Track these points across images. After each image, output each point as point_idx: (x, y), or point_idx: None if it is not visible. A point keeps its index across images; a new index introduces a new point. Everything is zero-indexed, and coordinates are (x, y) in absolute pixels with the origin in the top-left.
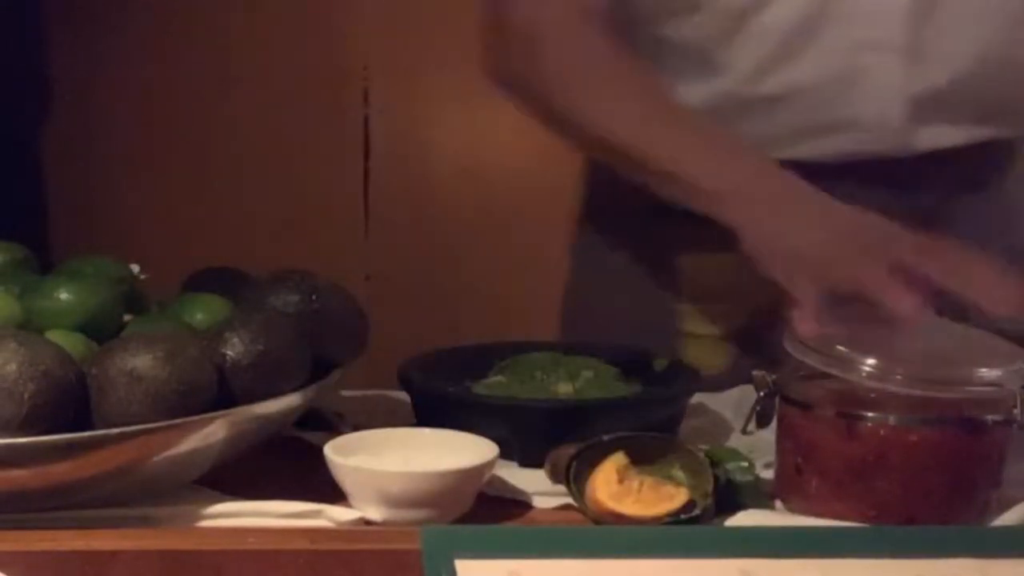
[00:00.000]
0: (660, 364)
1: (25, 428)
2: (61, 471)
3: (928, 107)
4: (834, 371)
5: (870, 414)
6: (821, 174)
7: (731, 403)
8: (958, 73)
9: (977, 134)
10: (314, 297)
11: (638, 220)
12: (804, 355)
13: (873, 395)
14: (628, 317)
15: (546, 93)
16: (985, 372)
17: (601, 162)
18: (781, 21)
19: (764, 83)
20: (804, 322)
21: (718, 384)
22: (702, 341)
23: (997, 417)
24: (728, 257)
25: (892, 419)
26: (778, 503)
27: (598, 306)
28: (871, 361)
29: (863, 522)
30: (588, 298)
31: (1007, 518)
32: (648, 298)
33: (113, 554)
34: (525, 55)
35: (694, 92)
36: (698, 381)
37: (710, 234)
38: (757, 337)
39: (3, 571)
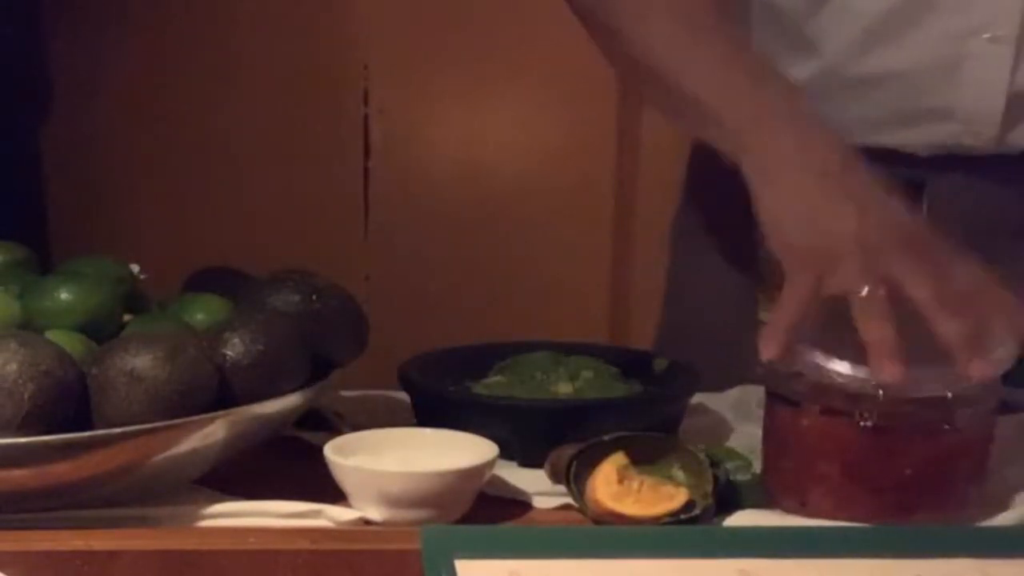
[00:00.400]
0: (660, 364)
1: (25, 428)
2: (61, 471)
3: None
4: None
5: (854, 411)
6: (910, 164)
7: (731, 403)
8: None
9: None
10: (314, 297)
11: (729, 205)
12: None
13: (856, 393)
14: (720, 306)
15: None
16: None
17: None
18: (876, 1)
19: (858, 64)
20: (769, 341)
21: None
22: None
23: (979, 410)
24: None
25: (875, 416)
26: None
27: (694, 294)
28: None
29: (853, 520)
30: (685, 286)
31: (1006, 518)
32: (735, 286)
33: (113, 554)
34: None
35: (791, 70)
36: (698, 381)
37: None
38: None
39: (3, 571)
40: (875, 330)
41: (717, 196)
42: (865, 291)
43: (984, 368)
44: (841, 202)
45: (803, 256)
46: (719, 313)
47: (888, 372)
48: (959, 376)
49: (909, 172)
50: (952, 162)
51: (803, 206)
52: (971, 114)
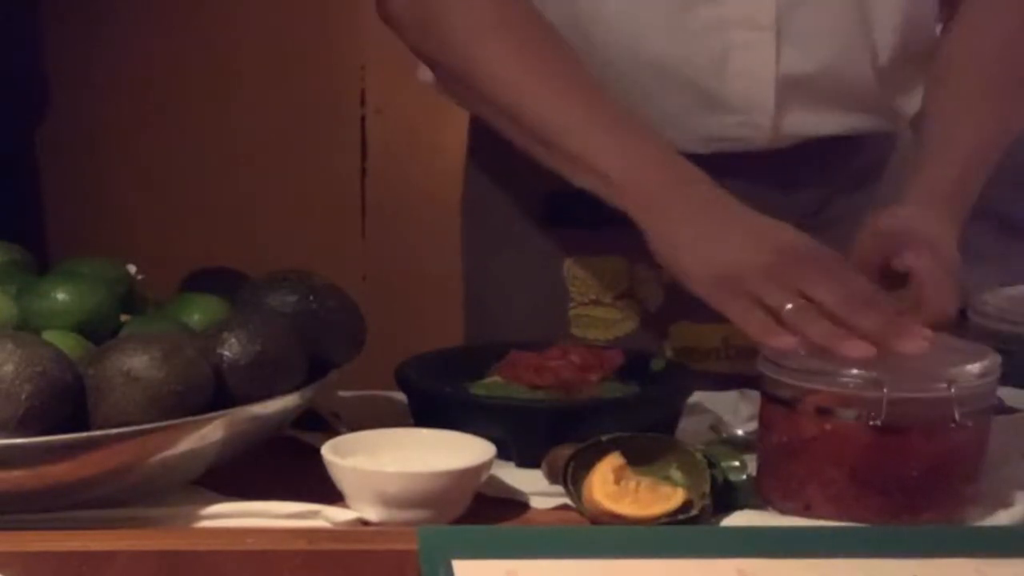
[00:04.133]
0: (657, 364)
1: (22, 429)
2: (58, 472)
3: (796, 91)
4: (815, 385)
5: (849, 412)
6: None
7: (729, 403)
8: (824, 57)
9: (846, 124)
10: (311, 297)
11: (525, 222)
12: (779, 375)
13: (852, 394)
14: (530, 323)
15: (446, 46)
16: (964, 370)
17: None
18: None
19: (636, 57)
20: (773, 337)
21: None
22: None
23: (980, 410)
24: (613, 260)
25: (872, 417)
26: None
27: (497, 310)
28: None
29: (847, 520)
30: (485, 302)
31: (1004, 518)
32: (542, 302)
33: (111, 554)
34: (430, 17)
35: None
36: (695, 381)
37: (597, 238)
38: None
39: (2, 571)
40: (818, 331)
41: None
42: (789, 306)
43: (914, 341)
44: (731, 230)
45: (715, 284)
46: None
47: (857, 350)
48: (959, 376)
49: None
50: (732, 162)
51: (696, 236)
52: (744, 103)
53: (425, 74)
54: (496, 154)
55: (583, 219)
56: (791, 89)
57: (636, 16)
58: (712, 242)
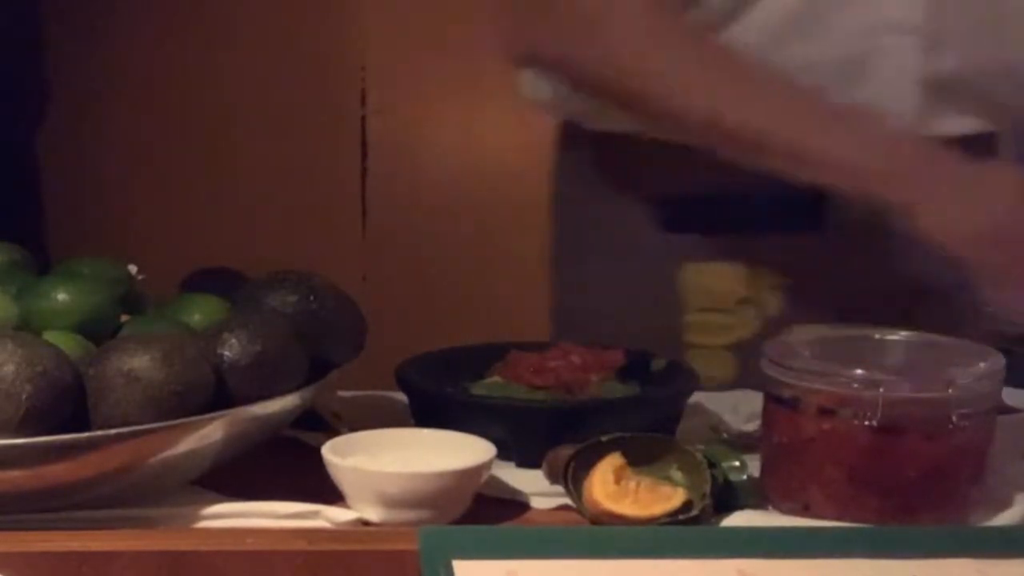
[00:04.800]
0: (658, 364)
1: (23, 429)
2: (59, 472)
3: (941, 94)
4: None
5: (847, 412)
6: None
7: (729, 404)
8: (971, 60)
9: (976, 125)
10: (311, 298)
11: (639, 229)
12: (781, 375)
13: (854, 395)
14: (633, 328)
15: (613, 76)
16: (964, 371)
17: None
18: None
19: (774, 61)
20: None
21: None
22: (706, 352)
23: (981, 410)
24: (732, 267)
25: (873, 418)
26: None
27: (600, 316)
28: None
29: (847, 520)
30: (588, 307)
31: (1005, 518)
32: (653, 309)
33: (111, 555)
34: (585, 38)
35: None
36: (696, 381)
37: (714, 243)
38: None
39: (2, 571)
40: None
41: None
42: None
43: None
44: (999, 188)
45: (996, 243)
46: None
47: None
48: (958, 377)
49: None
50: None
51: (966, 200)
52: (887, 108)
53: (537, 91)
54: (603, 160)
55: (701, 224)
56: (935, 91)
57: (775, 21)
58: (982, 202)
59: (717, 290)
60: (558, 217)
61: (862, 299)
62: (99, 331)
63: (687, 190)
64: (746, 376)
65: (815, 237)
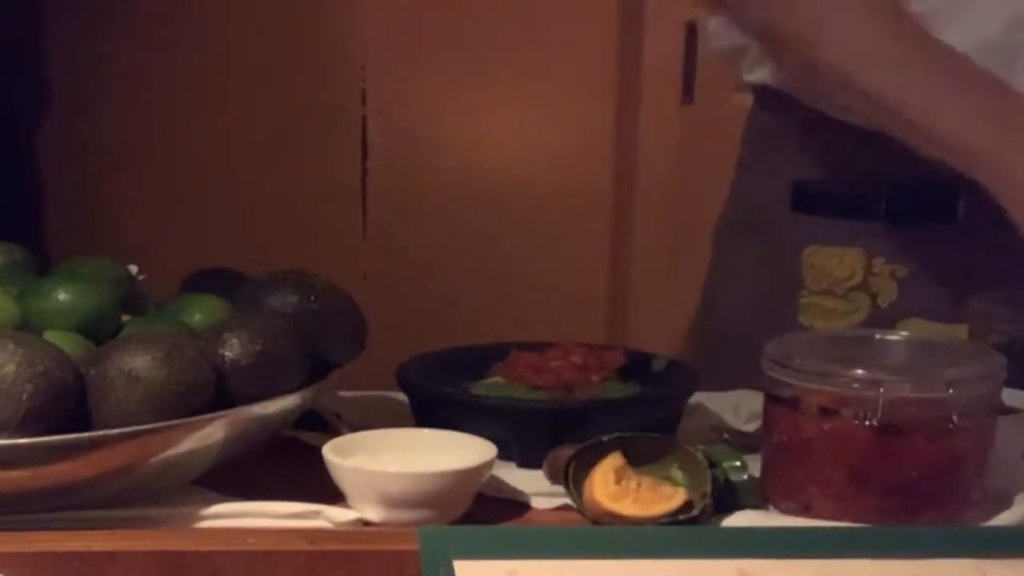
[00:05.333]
0: (659, 364)
1: (23, 429)
2: (59, 472)
3: None
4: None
5: (847, 412)
6: None
7: (730, 404)
8: None
9: None
10: (312, 298)
11: (769, 212)
12: (782, 374)
13: (855, 395)
14: (757, 309)
15: (793, 39)
16: (964, 371)
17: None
18: None
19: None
20: None
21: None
22: None
23: (981, 410)
24: (851, 252)
25: (873, 418)
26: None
27: (733, 296)
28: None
29: (847, 520)
30: (723, 287)
31: (1005, 518)
32: (777, 288)
33: (112, 555)
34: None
35: None
36: (696, 381)
37: (837, 227)
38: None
39: (2, 571)
40: None
41: (758, 197)
42: None
43: None
44: None
45: None
46: (758, 318)
47: None
48: (959, 377)
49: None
50: None
51: None
52: None
53: (754, 74)
54: (756, 143)
55: (829, 208)
56: None
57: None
58: None
59: (834, 274)
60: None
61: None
62: (100, 331)
63: (824, 173)
64: None
65: (942, 231)
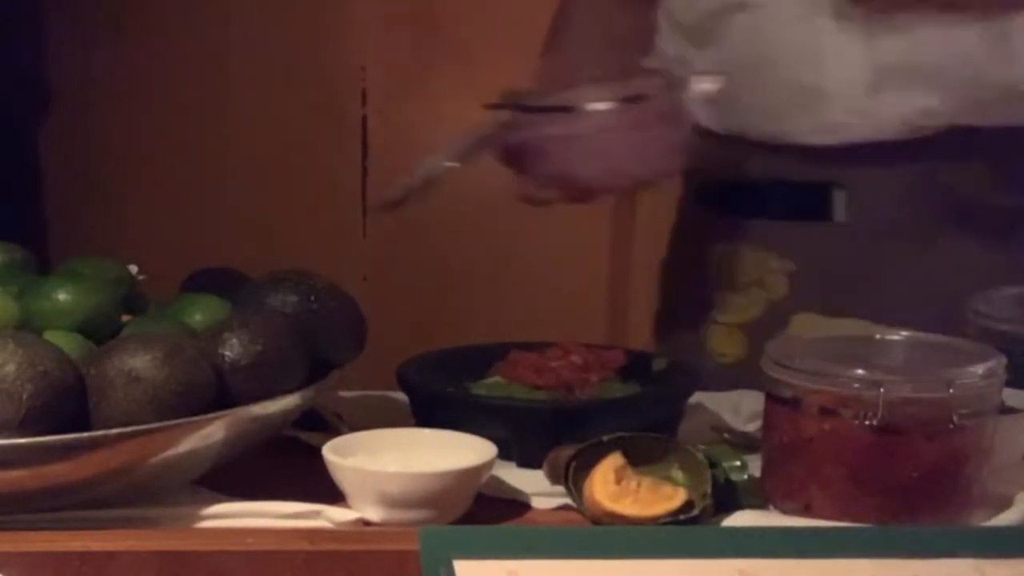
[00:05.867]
0: (659, 364)
1: (23, 429)
2: (59, 472)
3: (890, 76)
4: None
5: (848, 412)
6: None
7: (731, 404)
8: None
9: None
10: (312, 298)
11: (687, 213)
12: (783, 374)
13: (855, 395)
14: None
15: None
16: (964, 371)
17: None
18: None
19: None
20: None
21: (735, 374)
22: (721, 330)
23: (981, 410)
24: (750, 250)
25: (874, 418)
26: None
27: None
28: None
29: (848, 520)
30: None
31: (1006, 518)
32: (701, 286)
33: (112, 555)
34: None
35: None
36: (697, 381)
37: (736, 226)
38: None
39: (2, 571)
40: None
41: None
42: None
43: None
44: None
45: None
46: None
47: None
48: (959, 377)
49: (819, 171)
50: (857, 156)
51: None
52: (838, 91)
53: None
54: None
55: (726, 206)
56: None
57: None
58: None
59: (733, 270)
60: None
61: (869, 292)
62: (100, 331)
63: (723, 175)
64: (754, 357)
65: (823, 228)
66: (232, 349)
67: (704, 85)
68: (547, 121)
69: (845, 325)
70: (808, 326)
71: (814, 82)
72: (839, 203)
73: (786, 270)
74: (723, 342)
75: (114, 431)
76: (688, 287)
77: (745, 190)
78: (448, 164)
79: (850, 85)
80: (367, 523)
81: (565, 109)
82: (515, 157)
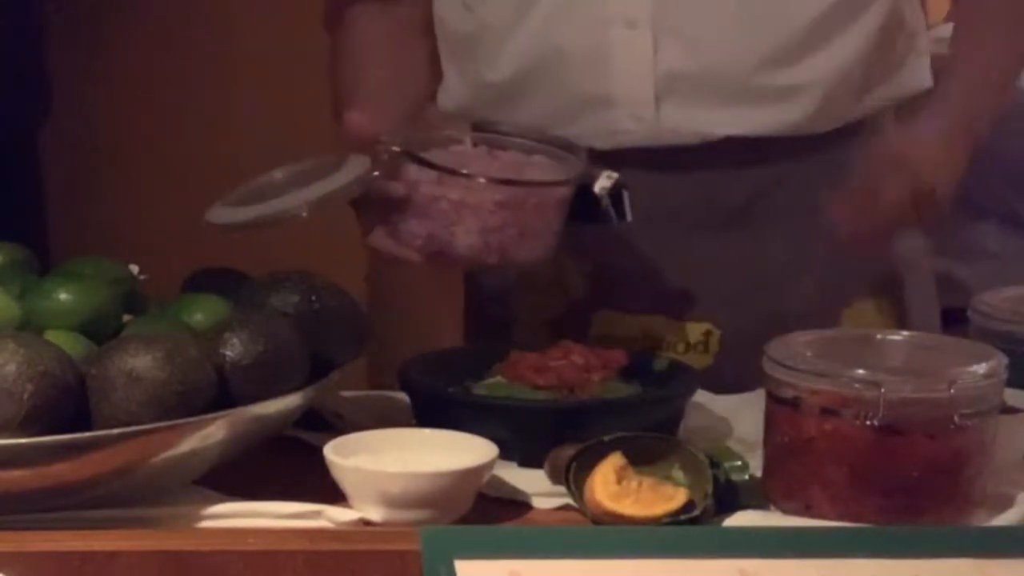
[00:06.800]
0: (660, 364)
1: (25, 428)
2: (60, 471)
3: (675, 87)
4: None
5: (848, 412)
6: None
7: (730, 404)
8: (703, 56)
9: (742, 123)
10: (313, 298)
11: None
12: (783, 375)
13: (856, 395)
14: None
15: None
16: (965, 371)
17: None
18: None
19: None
20: None
21: None
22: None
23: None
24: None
25: (874, 418)
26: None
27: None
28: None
29: (848, 520)
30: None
31: (1007, 518)
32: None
33: (112, 555)
34: None
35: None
36: (697, 381)
37: None
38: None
39: (3, 571)
40: None
41: None
42: None
43: None
44: None
45: None
46: None
47: None
48: (960, 377)
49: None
50: (631, 157)
51: None
52: (626, 98)
53: None
54: None
55: None
56: (670, 86)
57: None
58: None
59: (534, 271)
60: None
61: (660, 290)
62: (101, 331)
63: None
64: None
65: (609, 230)
66: (233, 349)
67: (607, 182)
68: (440, 180)
69: (644, 321)
70: (608, 324)
71: (603, 89)
72: (627, 204)
73: (581, 269)
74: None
75: (115, 431)
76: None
77: None
78: (306, 214)
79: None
80: (368, 523)
81: (467, 175)
82: (384, 205)
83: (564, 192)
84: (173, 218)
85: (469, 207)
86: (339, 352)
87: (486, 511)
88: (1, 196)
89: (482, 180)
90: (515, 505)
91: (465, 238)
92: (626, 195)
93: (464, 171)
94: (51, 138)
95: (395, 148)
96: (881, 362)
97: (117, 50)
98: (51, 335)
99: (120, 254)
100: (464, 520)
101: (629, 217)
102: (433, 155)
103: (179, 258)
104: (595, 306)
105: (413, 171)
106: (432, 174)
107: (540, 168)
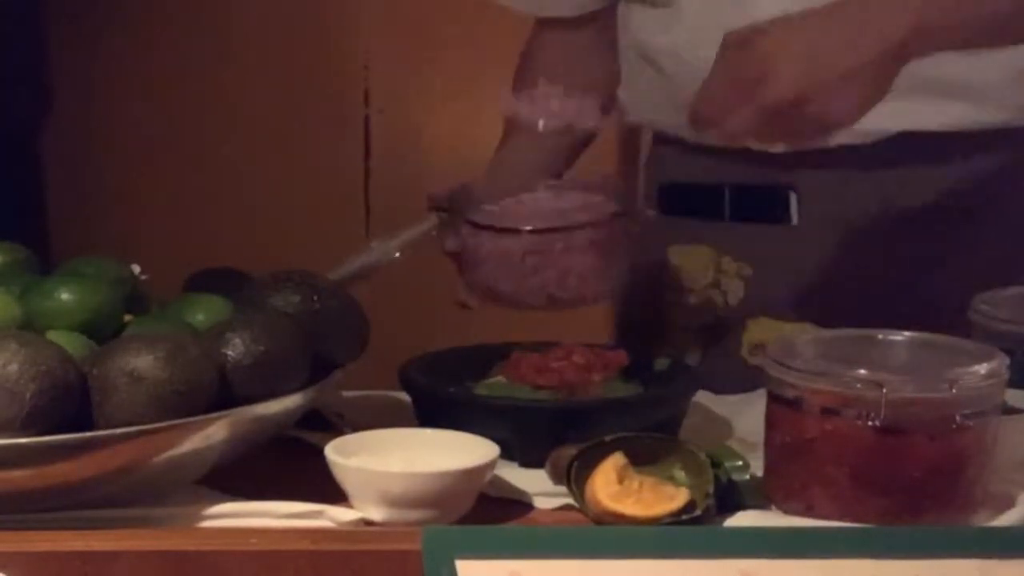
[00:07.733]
0: (661, 364)
1: (26, 428)
2: (62, 471)
3: None
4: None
5: (850, 412)
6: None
7: (731, 404)
8: None
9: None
10: (315, 297)
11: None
12: (784, 374)
13: (857, 395)
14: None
15: None
16: (967, 371)
17: None
18: None
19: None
20: None
21: None
22: (676, 334)
23: (983, 410)
24: (708, 251)
25: (876, 418)
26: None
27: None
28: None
29: (850, 520)
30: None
31: (1007, 518)
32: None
33: (114, 555)
34: None
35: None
36: (698, 381)
37: (691, 227)
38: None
39: (3, 571)
40: None
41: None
42: None
43: None
44: None
45: None
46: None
47: None
48: (961, 377)
49: (774, 174)
50: (810, 160)
51: None
52: None
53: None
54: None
55: (683, 208)
56: None
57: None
58: None
59: (690, 272)
60: None
61: (824, 295)
62: (102, 331)
63: (682, 176)
64: (707, 360)
65: (779, 231)
66: (234, 349)
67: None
68: (485, 235)
69: (799, 329)
70: (764, 330)
71: None
72: (794, 206)
73: (741, 272)
74: (678, 346)
75: (116, 431)
76: (645, 291)
77: (701, 193)
78: (389, 259)
79: None
80: (369, 523)
81: (511, 231)
82: (452, 259)
83: (592, 234)
84: (174, 218)
85: (497, 256)
86: (340, 352)
87: (487, 511)
88: (2, 196)
89: (495, 230)
90: (516, 505)
91: (504, 285)
92: (793, 197)
93: (486, 223)
94: (52, 138)
95: (440, 210)
96: (882, 362)
97: (117, 51)
98: (52, 335)
99: (121, 254)
100: (465, 520)
101: (795, 220)
102: (485, 207)
103: (180, 258)
104: (751, 312)
105: (464, 227)
106: (468, 228)
107: (586, 210)
